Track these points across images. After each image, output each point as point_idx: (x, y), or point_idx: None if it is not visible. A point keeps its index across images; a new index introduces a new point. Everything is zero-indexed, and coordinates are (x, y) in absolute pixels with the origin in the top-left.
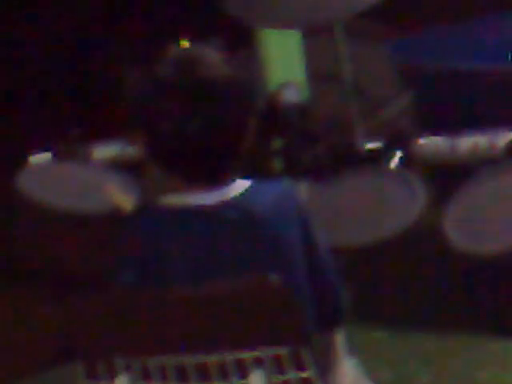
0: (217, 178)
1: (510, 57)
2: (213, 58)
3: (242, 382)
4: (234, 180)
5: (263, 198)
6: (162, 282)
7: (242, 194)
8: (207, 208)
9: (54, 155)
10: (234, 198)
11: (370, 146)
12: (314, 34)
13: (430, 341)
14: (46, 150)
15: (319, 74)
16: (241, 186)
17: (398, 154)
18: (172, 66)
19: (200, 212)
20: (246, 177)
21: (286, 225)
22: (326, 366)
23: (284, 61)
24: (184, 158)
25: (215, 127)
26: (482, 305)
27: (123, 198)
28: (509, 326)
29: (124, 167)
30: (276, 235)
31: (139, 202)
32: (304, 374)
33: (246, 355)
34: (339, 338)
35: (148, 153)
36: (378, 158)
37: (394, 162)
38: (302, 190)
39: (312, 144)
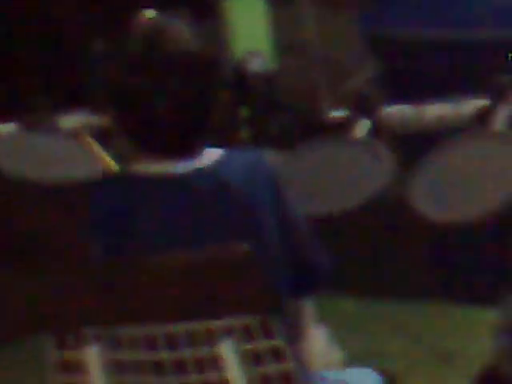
0: (188, 149)
1: (478, 25)
2: (180, 30)
3: (211, 350)
4: (204, 149)
5: (235, 167)
6: (132, 249)
7: (213, 163)
8: (179, 176)
9: (20, 125)
10: (206, 167)
11: (336, 114)
12: (281, 4)
13: (401, 310)
14: (12, 120)
15: (286, 44)
16: (212, 155)
17: (365, 122)
18: (139, 40)
19: (171, 180)
20: (214, 146)
21: (259, 192)
22: (295, 334)
23: (250, 30)
24: (154, 131)
25: (185, 100)
26: (452, 274)
27: (82, 167)
28: (479, 295)
29: (92, 136)
30: (248, 203)
31: (108, 169)
32: (273, 342)
33: (215, 324)
34: (309, 307)
35: (117, 125)
36: (344, 127)
37: (361, 130)
38: (272, 159)
39: (278, 113)
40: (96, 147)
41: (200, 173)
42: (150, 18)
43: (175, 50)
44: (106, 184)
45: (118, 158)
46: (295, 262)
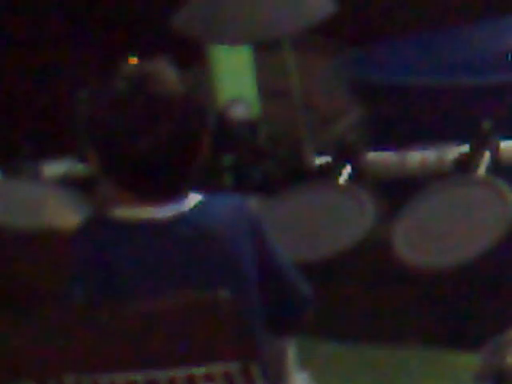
0: (170, 193)
1: (460, 72)
2: (166, 74)
3: None
4: (187, 195)
5: (215, 212)
6: (112, 296)
7: (194, 208)
8: (160, 222)
9: (3, 172)
10: (187, 213)
11: (319, 160)
12: (264, 50)
13: (382, 354)
14: None
15: (269, 90)
16: (193, 199)
17: (348, 168)
18: (125, 82)
19: (152, 226)
20: (197, 192)
21: (240, 238)
22: (277, 379)
23: (234, 77)
24: (137, 174)
25: (169, 144)
26: (436, 318)
27: (66, 215)
28: (462, 340)
29: (74, 184)
30: (230, 249)
31: (90, 215)
32: None
33: (197, 371)
34: (290, 352)
35: (100, 168)
36: (327, 173)
37: (344, 176)
38: (253, 205)
39: (262, 159)
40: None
41: (182, 218)
42: (137, 63)
43: (162, 92)
44: (86, 229)
45: (101, 204)
46: (277, 298)
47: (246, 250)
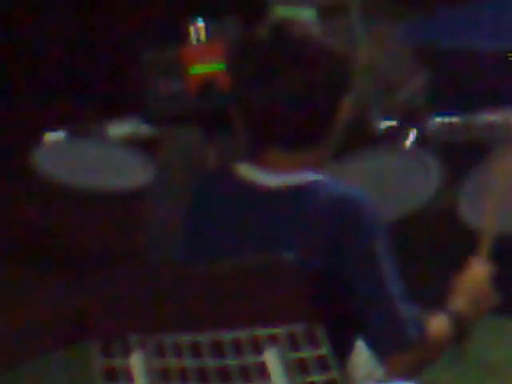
0: (294, 157)
1: None
2: (308, 26)
3: (257, 358)
4: (308, 168)
5: (321, 197)
6: (204, 257)
7: (307, 185)
8: (268, 189)
9: (69, 133)
10: (296, 188)
11: (385, 125)
12: (330, 14)
13: None
14: (61, 128)
15: None
16: (306, 177)
17: (414, 132)
18: (268, 30)
19: (260, 192)
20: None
21: (337, 229)
22: (340, 345)
23: None
24: (275, 127)
25: (311, 95)
26: (497, 285)
27: (130, 175)
28: None
29: (138, 145)
30: (325, 237)
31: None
32: (318, 351)
33: (261, 332)
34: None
35: (240, 122)
36: (393, 137)
37: (410, 140)
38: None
39: None
40: None
41: (289, 192)
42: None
43: (303, 39)
44: (208, 181)
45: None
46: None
47: (343, 242)
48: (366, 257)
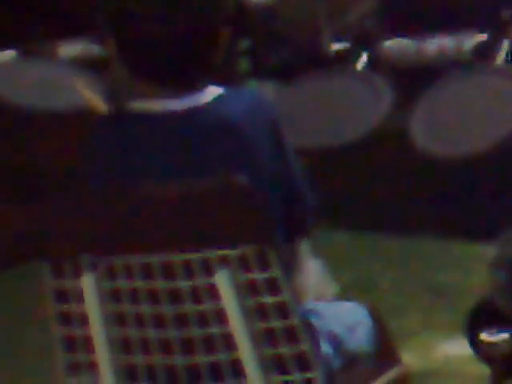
0: (187, 84)
1: None
2: None
3: (208, 280)
4: (205, 87)
5: (235, 106)
6: (131, 182)
7: (213, 101)
8: (177, 113)
9: (19, 53)
10: (205, 105)
11: (336, 47)
12: None
13: (393, 243)
14: (11, 47)
15: None
16: (213, 92)
17: (364, 55)
18: None
19: (170, 117)
20: (213, 79)
21: (257, 134)
22: (290, 265)
23: None
24: (152, 61)
25: (186, 31)
26: (447, 208)
27: (94, 96)
28: (476, 230)
29: (89, 65)
30: (246, 142)
31: (107, 104)
32: (269, 273)
33: (212, 254)
34: (305, 240)
35: (119, 56)
36: (344, 60)
37: (361, 63)
38: (269, 90)
39: (278, 45)
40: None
41: (200, 109)
42: None
43: None
44: (104, 121)
45: (114, 92)
46: (287, 205)
47: (264, 147)
48: (286, 143)
